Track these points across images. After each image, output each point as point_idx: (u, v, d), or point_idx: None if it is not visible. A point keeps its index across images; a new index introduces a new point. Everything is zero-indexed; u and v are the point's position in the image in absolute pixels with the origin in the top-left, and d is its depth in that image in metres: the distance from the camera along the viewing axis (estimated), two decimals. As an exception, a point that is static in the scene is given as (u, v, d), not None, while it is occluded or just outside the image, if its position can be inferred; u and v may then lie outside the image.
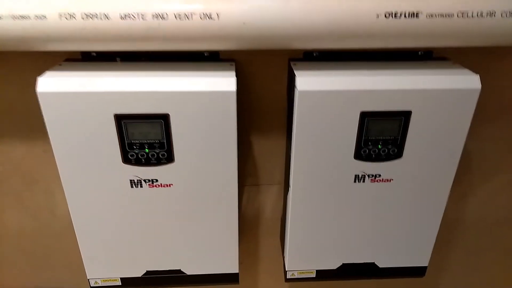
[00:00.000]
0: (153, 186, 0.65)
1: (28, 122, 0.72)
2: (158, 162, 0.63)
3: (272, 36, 0.54)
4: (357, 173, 0.67)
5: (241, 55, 0.68)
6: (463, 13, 0.54)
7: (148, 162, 0.63)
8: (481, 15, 0.55)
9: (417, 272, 0.79)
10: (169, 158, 0.63)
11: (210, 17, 0.52)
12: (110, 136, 0.60)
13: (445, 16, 0.54)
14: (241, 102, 0.70)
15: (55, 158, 0.61)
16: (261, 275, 0.96)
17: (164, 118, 0.59)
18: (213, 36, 0.54)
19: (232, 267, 0.75)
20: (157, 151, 0.62)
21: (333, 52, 0.68)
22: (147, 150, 0.62)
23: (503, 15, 0.55)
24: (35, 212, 0.83)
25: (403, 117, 0.62)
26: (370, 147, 0.64)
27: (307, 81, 0.59)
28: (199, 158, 0.63)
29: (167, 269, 0.74)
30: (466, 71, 0.63)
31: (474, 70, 0.62)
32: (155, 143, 0.61)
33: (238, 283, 0.77)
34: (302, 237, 0.73)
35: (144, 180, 0.64)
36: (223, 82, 0.58)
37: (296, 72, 0.61)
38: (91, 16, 0.52)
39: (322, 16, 0.53)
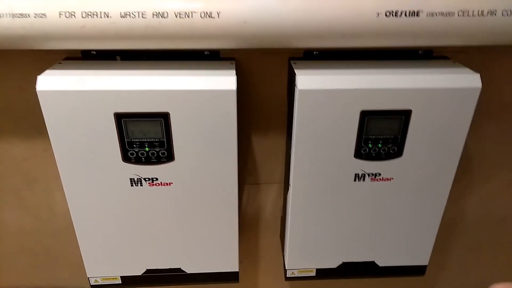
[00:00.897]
0: (153, 184, 0.65)
1: (28, 120, 0.72)
2: (158, 160, 0.63)
3: (273, 35, 0.54)
4: (357, 172, 0.67)
5: (242, 54, 0.68)
6: (463, 11, 0.54)
7: (148, 161, 0.63)
8: (482, 13, 0.55)
9: (417, 271, 0.79)
10: (169, 157, 0.63)
11: (210, 15, 0.52)
12: (110, 135, 0.60)
13: (446, 15, 0.54)
14: (241, 100, 0.70)
15: (55, 156, 0.61)
16: (261, 274, 0.96)
17: (164, 117, 0.59)
18: (214, 34, 0.54)
19: (232, 265, 0.75)
20: (157, 149, 0.62)
21: (333, 51, 0.68)
22: (147, 149, 0.62)
23: (504, 13, 0.55)
24: (35, 210, 0.83)
25: (403, 116, 0.62)
26: (370, 146, 0.64)
27: (307, 80, 0.59)
28: (199, 156, 0.63)
29: (167, 267, 0.74)
30: (467, 70, 0.63)
31: (475, 69, 0.62)
32: (155, 141, 0.61)
33: (238, 281, 0.77)
34: (302, 236, 0.73)
35: (144, 179, 0.64)
36: (223, 80, 0.58)
37: (296, 71, 0.60)
38: (91, 14, 0.52)
39: (323, 15, 0.53)
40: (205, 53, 0.66)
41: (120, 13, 0.52)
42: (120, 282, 0.75)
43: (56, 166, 0.62)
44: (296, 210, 0.70)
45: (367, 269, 0.78)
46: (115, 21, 0.52)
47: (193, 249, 0.73)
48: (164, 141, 0.61)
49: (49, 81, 0.57)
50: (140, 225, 0.69)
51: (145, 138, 0.61)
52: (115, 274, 0.75)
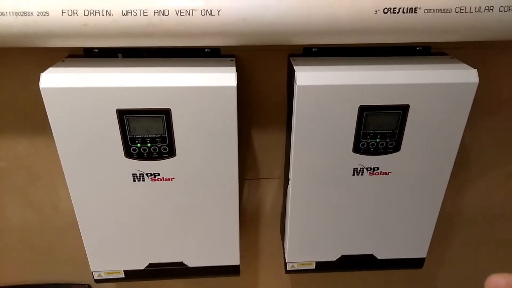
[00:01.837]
0: (155, 180, 0.66)
1: (31, 117, 0.72)
2: (160, 156, 0.64)
3: (272, 32, 0.55)
4: (355, 166, 0.67)
5: (242, 51, 0.68)
6: (461, 8, 0.55)
7: (150, 156, 0.64)
8: (479, 10, 0.55)
9: (415, 263, 0.80)
10: (171, 152, 0.63)
11: (210, 13, 0.53)
12: (112, 131, 0.61)
13: (443, 11, 0.55)
14: (242, 97, 0.70)
15: (58, 153, 0.62)
16: (261, 267, 0.97)
17: (165, 113, 0.60)
18: (214, 32, 0.55)
19: (233, 259, 0.76)
20: (159, 145, 0.63)
21: (332, 47, 0.68)
22: (149, 145, 0.63)
23: (500, 9, 0.55)
24: (39, 207, 0.84)
25: (401, 111, 0.63)
26: (369, 140, 0.65)
27: (307, 76, 0.60)
28: (200, 152, 0.64)
29: (169, 261, 0.75)
30: (464, 65, 0.63)
31: (472, 64, 0.63)
32: (157, 137, 0.62)
33: (239, 274, 0.78)
34: (301, 230, 0.74)
35: (146, 174, 0.65)
36: (224, 77, 0.59)
37: (295, 67, 0.61)
38: (93, 12, 0.52)
39: (321, 12, 0.54)
40: (206, 50, 0.67)
41: (122, 11, 0.52)
42: (123, 276, 0.76)
43: (59, 162, 0.63)
44: (296, 204, 0.71)
45: (366, 261, 0.79)
46: (117, 19, 0.53)
47: (195, 243, 0.74)
48: (165, 137, 0.62)
49: (52, 79, 0.57)
50: (143, 220, 0.70)
51: (147, 134, 0.62)
52: (118, 268, 0.76)
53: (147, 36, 0.55)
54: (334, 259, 0.78)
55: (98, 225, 0.70)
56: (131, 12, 0.53)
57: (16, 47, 0.59)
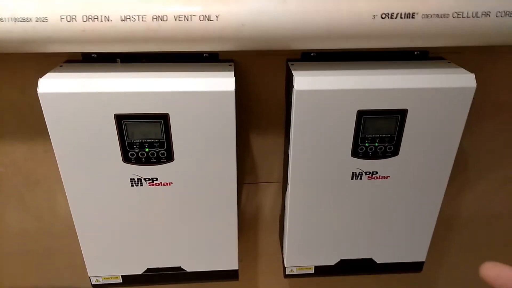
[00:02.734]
0: (153, 184, 0.66)
1: (29, 122, 0.72)
2: (158, 161, 0.64)
3: (271, 37, 0.55)
4: (354, 171, 0.68)
5: (240, 56, 0.68)
6: (458, 13, 0.55)
7: (148, 161, 0.64)
8: (476, 15, 0.55)
9: (414, 267, 0.80)
10: (169, 157, 0.63)
11: (209, 18, 0.53)
12: (110, 136, 0.61)
13: (441, 16, 0.55)
14: (240, 101, 0.70)
15: (56, 158, 0.62)
16: (260, 272, 0.97)
17: (164, 118, 0.60)
18: (212, 37, 0.55)
19: (231, 263, 0.76)
20: (157, 150, 0.63)
21: (330, 52, 0.68)
22: (147, 149, 0.63)
23: (497, 15, 0.55)
24: (37, 212, 0.83)
25: (400, 115, 0.63)
26: (367, 145, 0.65)
27: (305, 80, 0.60)
28: (199, 157, 0.64)
29: (168, 266, 0.75)
30: (462, 70, 0.64)
31: (469, 69, 0.63)
32: (155, 142, 0.62)
33: (237, 279, 0.78)
34: (300, 234, 0.74)
35: (144, 179, 0.65)
36: (222, 82, 0.59)
37: (294, 72, 0.61)
38: (91, 18, 0.52)
39: (320, 17, 0.54)
40: (204, 55, 0.67)
41: (121, 16, 0.52)
42: (121, 281, 0.76)
43: (57, 167, 0.63)
44: (295, 208, 0.71)
45: (365, 266, 0.79)
46: (115, 25, 0.53)
47: (193, 248, 0.73)
48: (164, 141, 0.62)
49: (50, 84, 0.57)
50: (141, 225, 0.70)
51: (145, 139, 0.62)
52: (116, 273, 0.75)
53: (145, 42, 0.55)
54: (333, 263, 0.78)
55: (96, 230, 0.70)
56: (129, 18, 0.53)
57: (14, 53, 0.59)
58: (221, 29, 0.54)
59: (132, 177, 0.65)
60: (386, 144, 0.65)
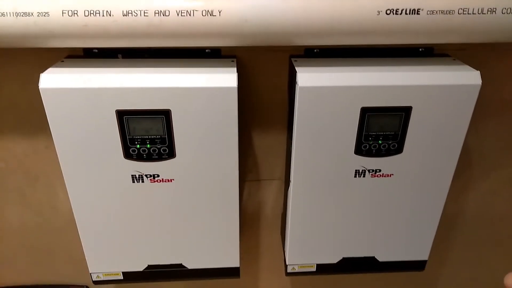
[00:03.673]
0: (154, 181, 0.65)
1: (30, 118, 0.72)
2: (160, 157, 0.63)
3: (274, 33, 0.55)
4: (357, 168, 0.67)
5: (243, 52, 0.68)
6: (464, 9, 0.54)
7: (149, 158, 0.63)
8: (482, 11, 0.55)
9: (417, 266, 0.80)
10: (171, 154, 0.63)
11: (212, 14, 0.53)
12: (111, 132, 0.60)
13: (446, 12, 0.55)
14: (242, 98, 0.70)
15: (58, 154, 0.62)
16: (261, 269, 0.97)
17: (165, 114, 0.60)
18: (215, 33, 0.54)
19: (233, 261, 0.76)
20: (159, 146, 0.62)
21: (334, 48, 0.68)
22: (148, 146, 0.62)
23: (503, 11, 0.55)
24: (37, 208, 0.83)
25: (404, 112, 0.62)
26: (371, 142, 0.65)
27: (308, 77, 0.60)
28: (200, 153, 0.63)
29: (169, 263, 0.75)
30: (467, 67, 0.63)
31: (475, 66, 0.62)
32: (157, 138, 0.62)
33: (239, 277, 0.78)
34: (302, 232, 0.74)
35: (146, 175, 0.65)
36: (225, 78, 0.59)
37: (297, 68, 0.61)
38: (93, 13, 0.52)
39: (323, 13, 0.53)
40: (206, 51, 0.67)
41: (122, 11, 0.52)
42: (122, 278, 0.76)
43: (58, 163, 0.62)
44: (297, 206, 0.71)
45: (367, 264, 0.78)
46: (117, 20, 0.52)
47: (194, 245, 0.73)
48: (165, 138, 0.62)
49: (51, 79, 0.57)
50: (142, 221, 0.70)
51: (146, 135, 0.61)
52: (117, 270, 0.75)
53: (147, 37, 0.55)
54: (335, 262, 0.78)
55: (96, 226, 0.70)
56: (131, 13, 0.52)
57: (16, 47, 0.59)
58: (224, 25, 0.53)
59: (134, 174, 0.65)
60: (390, 142, 0.65)
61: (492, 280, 1.01)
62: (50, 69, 0.59)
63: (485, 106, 0.75)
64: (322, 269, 0.78)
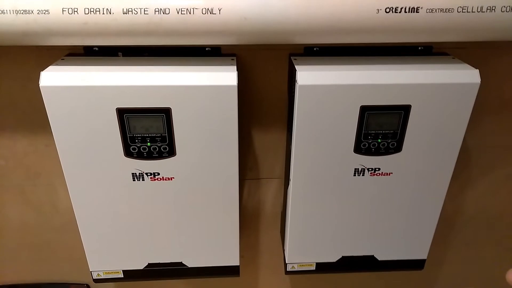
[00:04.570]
0: (154, 179, 0.66)
1: (30, 116, 0.72)
2: (160, 155, 0.63)
3: (273, 31, 0.55)
4: (356, 167, 0.67)
5: (243, 50, 0.68)
6: (463, 8, 0.55)
7: (150, 156, 0.63)
8: (481, 10, 0.55)
9: (416, 265, 0.80)
10: (171, 152, 0.63)
11: (212, 12, 0.53)
12: (112, 130, 0.61)
13: (445, 11, 0.55)
14: (242, 96, 0.70)
15: (58, 152, 0.62)
16: (261, 268, 0.97)
17: (166, 112, 0.60)
18: (215, 31, 0.54)
19: (233, 259, 0.76)
20: (159, 144, 0.63)
21: (333, 47, 0.68)
22: (149, 144, 0.62)
23: (502, 9, 0.55)
24: (38, 206, 0.83)
25: (403, 111, 0.62)
26: (370, 141, 0.65)
27: (308, 75, 0.60)
28: (201, 151, 0.64)
29: (169, 261, 0.75)
30: (466, 65, 0.63)
31: (474, 64, 0.62)
32: (157, 136, 0.62)
33: (238, 275, 0.78)
34: (302, 230, 0.74)
35: (146, 174, 0.65)
36: (225, 76, 0.59)
37: (296, 67, 0.61)
38: (93, 11, 0.52)
39: (323, 11, 0.54)
40: (206, 49, 0.67)
41: (123, 9, 0.52)
42: (122, 276, 0.76)
43: (58, 161, 0.63)
44: (296, 204, 0.71)
45: (367, 263, 0.78)
46: (117, 18, 0.53)
47: (194, 243, 0.73)
48: (165, 136, 0.62)
49: (52, 77, 0.57)
50: (142, 219, 0.70)
51: (147, 133, 0.61)
52: (117, 268, 0.75)
53: (147, 35, 0.55)
54: (335, 260, 0.78)
55: (97, 224, 0.70)
56: (131, 11, 0.52)
57: (16, 45, 0.59)
58: (224, 23, 0.54)
59: (134, 172, 0.65)
60: (389, 140, 0.65)
61: (491, 278, 1.01)
62: (50, 67, 0.59)
63: (484, 105, 0.75)
64: (322, 267, 0.78)
